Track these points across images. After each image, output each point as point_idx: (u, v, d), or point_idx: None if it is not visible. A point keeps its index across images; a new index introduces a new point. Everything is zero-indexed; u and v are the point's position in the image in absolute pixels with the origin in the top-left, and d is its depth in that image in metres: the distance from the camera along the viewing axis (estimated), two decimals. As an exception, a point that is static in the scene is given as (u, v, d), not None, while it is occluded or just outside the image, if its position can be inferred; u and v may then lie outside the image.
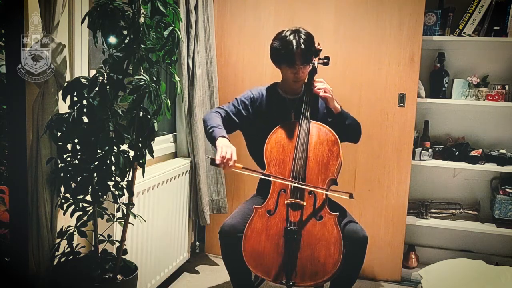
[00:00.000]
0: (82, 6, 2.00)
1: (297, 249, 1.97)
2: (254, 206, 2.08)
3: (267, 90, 2.32)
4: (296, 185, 2.02)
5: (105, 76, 1.68)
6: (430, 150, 3.02)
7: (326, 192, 2.02)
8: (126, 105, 1.79)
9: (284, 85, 2.28)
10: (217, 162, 1.95)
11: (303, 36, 2.10)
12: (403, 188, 2.85)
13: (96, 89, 1.67)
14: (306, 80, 2.24)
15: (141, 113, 1.78)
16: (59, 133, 1.72)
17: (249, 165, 2.33)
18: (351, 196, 1.94)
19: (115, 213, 1.90)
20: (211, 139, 2.09)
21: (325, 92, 2.17)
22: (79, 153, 1.74)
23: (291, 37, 2.09)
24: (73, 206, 1.78)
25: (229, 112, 2.24)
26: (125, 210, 1.86)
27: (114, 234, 2.04)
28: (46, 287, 1.80)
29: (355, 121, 2.28)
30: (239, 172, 2.01)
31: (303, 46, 2.08)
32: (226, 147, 1.97)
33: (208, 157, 2.00)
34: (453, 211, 3.08)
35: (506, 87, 2.90)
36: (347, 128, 2.23)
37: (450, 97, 3.01)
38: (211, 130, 2.10)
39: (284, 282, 1.97)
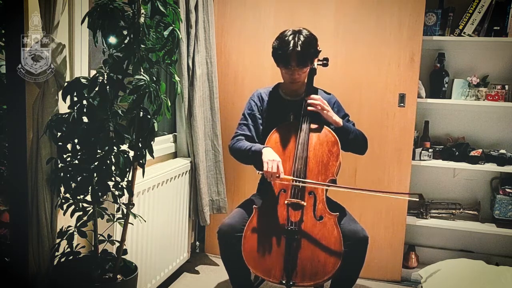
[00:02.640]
0: (82, 6, 2.00)
1: (297, 249, 1.97)
2: (254, 206, 2.08)
3: (268, 91, 2.32)
4: (352, 190, 2.05)
5: (105, 76, 1.68)
6: (430, 150, 3.02)
7: (395, 196, 2.01)
8: (126, 105, 1.79)
9: (285, 86, 2.28)
10: (266, 177, 1.99)
11: (302, 38, 2.07)
12: (403, 188, 2.84)
13: (96, 89, 1.67)
14: (306, 81, 2.24)
15: (141, 113, 1.77)
16: (59, 133, 1.72)
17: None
18: (421, 197, 1.96)
19: (115, 213, 1.90)
20: (256, 157, 2.06)
21: (319, 108, 2.11)
22: (79, 153, 1.74)
23: (290, 37, 2.08)
24: (73, 206, 1.78)
25: (246, 135, 2.22)
26: (125, 210, 1.86)
27: (114, 234, 2.04)
28: (46, 287, 1.80)
29: (359, 136, 2.21)
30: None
31: (299, 48, 2.05)
32: (271, 162, 1.97)
33: (258, 173, 2.04)
34: (453, 211, 3.08)
35: (506, 87, 2.90)
36: (350, 143, 2.18)
37: (450, 97, 3.01)
38: (250, 152, 2.09)
39: (284, 282, 1.97)
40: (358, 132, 2.22)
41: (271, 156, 2.00)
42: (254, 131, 2.24)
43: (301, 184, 2.01)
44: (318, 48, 2.20)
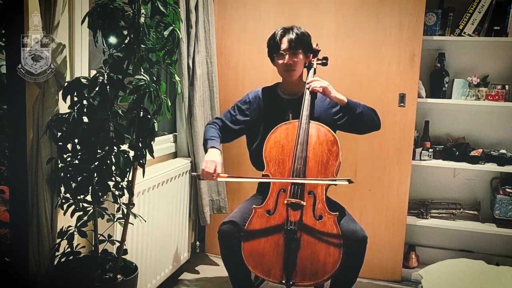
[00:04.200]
0: (82, 6, 2.00)
1: (297, 249, 1.97)
2: (254, 206, 2.07)
3: (265, 90, 2.33)
4: (294, 181, 2.03)
5: (105, 76, 1.68)
6: (430, 150, 3.02)
7: (325, 182, 2.03)
8: (126, 105, 1.79)
9: (283, 84, 2.28)
10: (201, 177, 2.07)
11: (294, 29, 2.17)
12: (404, 188, 2.84)
13: (96, 89, 1.67)
14: (305, 80, 2.24)
15: (141, 113, 1.78)
16: (59, 133, 1.72)
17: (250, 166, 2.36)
18: (350, 181, 1.94)
19: (115, 213, 1.90)
20: (205, 151, 2.17)
21: (319, 86, 2.11)
22: (79, 153, 1.74)
23: (281, 30, 2.19)
24: (73, 206, 1.78)
25: (224, 121, 2.30)
26: (125, 210, 1.87)
27: (114, 234, 2.04)
28: (46, 287, 1.80)
29: (367, 108, 2.19)
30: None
31: (290, 35, 2.15)
32: (210, 162, 2.05)
33: (193, 174, 2.14)
34: (453, 211, 3.08)
35: (506, 87, 2.90)
36: (360, 117, 2.14)
37: (450, 97, 3.01)
38: (205, 143, 2.19)
39: (284, 282, 1.97)
40: (365, 106, 2.19)
41: (211, 157, 2.07)
42: (233, 123, 2.30)
43: (231, 179, 2.15)
44: (317, 46, 2.23)
